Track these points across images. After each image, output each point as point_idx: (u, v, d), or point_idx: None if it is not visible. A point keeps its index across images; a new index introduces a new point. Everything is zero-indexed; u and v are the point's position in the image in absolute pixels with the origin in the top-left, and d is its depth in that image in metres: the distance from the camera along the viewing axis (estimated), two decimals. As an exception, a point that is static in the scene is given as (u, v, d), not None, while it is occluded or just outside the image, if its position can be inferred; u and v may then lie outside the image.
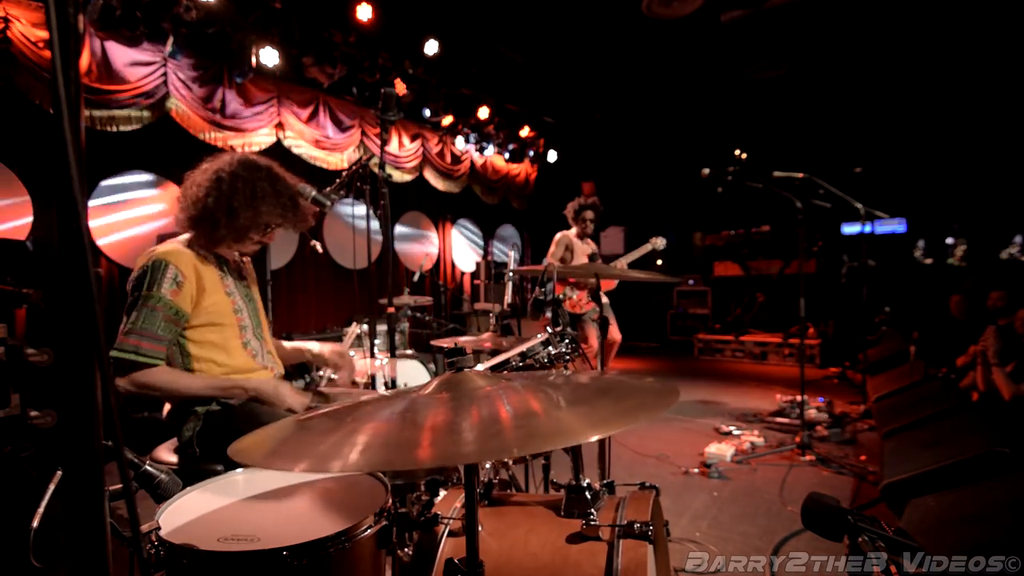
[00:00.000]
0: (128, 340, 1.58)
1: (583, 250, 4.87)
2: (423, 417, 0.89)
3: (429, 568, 1.18)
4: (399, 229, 7.02)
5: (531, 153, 8.46)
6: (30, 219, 3.86)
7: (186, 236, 1.78)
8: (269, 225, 1.80)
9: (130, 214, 4.47)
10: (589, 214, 4.81)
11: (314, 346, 2.14)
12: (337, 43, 5.32)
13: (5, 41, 3.58)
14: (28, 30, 3.65)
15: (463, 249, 8.03)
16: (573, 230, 4.85)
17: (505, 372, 1.64)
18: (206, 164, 1.77)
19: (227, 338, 1.76)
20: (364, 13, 5.11)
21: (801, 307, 3.64)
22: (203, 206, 1.70)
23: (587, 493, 1.28)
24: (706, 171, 4.12)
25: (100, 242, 4.28)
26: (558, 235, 4.88)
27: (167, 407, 1.76)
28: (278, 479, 1.30)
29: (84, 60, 3.93)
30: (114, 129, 4.22)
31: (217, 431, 1.65)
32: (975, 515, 1.93)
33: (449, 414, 0.89)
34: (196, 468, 1.60)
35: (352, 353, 3.33)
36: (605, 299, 4.85)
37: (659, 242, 4.66)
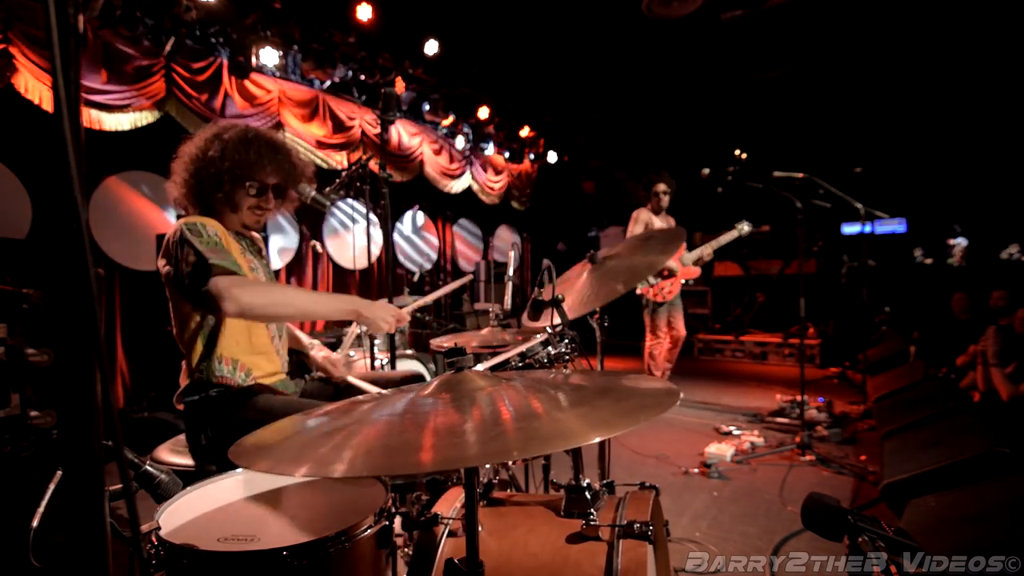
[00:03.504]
0: (217, 254, 1.51)
1: (661, 228, 4.71)
2: (424, 419, 0.89)
3: (429, 568, 1.18)
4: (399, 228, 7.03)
5: (531, 154, 8.46)
6: (30, 219, 3.86)
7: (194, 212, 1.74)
8: (263, 181, 1.73)
9: (130, 214, 4.47)
10: (661, 186, 4.65)
11: (306, 341, 2.08)
12: (337, 43, 5.32)
13: (5, 40, 3.59)
14: (28, 30, 3.66)
15: (463, 249, 8.04)
16: (648, 206, 4.71)
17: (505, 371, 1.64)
18: (195, 135, 1.75)
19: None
20: (364, 13, 5.11)
21: (801, 307, 3.64)
22: (192, 169, 1.67)
23: (587, 493, 1.28)
24: (706, 171, 4.11)
25: (100, 242, 4.28)
26: (635, 213, 4.72)
27: (177, 397, 1.73)
28: (278, 479, 1.30)
29: (83, 60, 3.93)
30: (114, 129, 4.22)
31: (227, 425, 1.63)
32: (975, 515, 1.93)
33: (450, 416, 0.89)
34: (203, 467, 1.59)
35: (352, 354, 3.33)
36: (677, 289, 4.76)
37: (744, 228, 4.54)
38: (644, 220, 4.68)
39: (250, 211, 1.75)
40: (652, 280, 4.61)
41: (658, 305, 4.69)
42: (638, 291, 4.71)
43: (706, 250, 4.62)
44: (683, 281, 4.72)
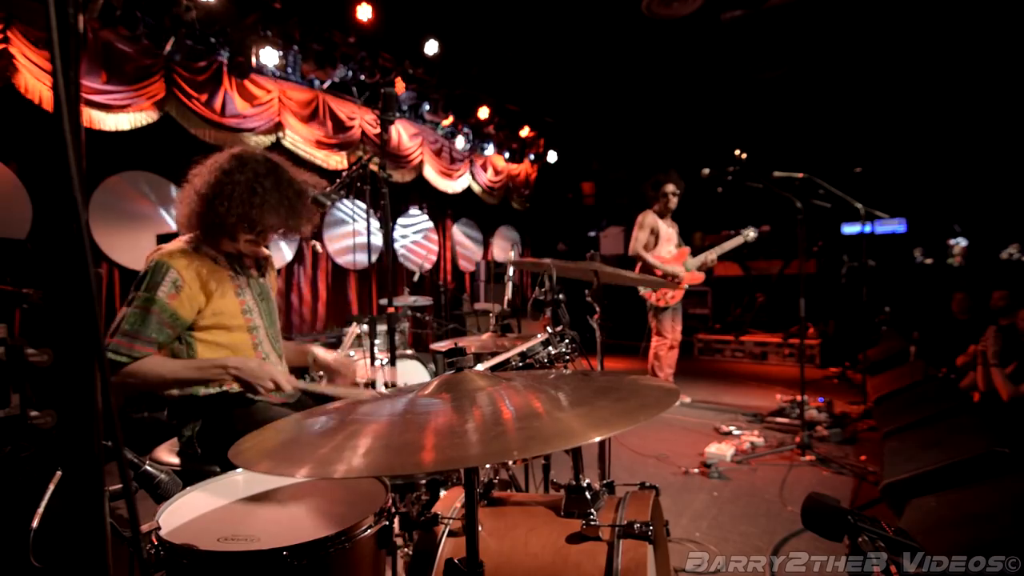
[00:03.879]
0: (122, 343, 1.56)
1: (668, 234, 4.63)
2: (424, 419, 0.89)
3: (429, 568, 1.18)
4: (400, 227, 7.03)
5: (531, 154, 8.46)
6: (30, 219, 3.86)
7: (190, 236, 1.74)
8: (265, 226, 1.73)
9: (130, 214, 4.47)
10: (670, 187, 4.52)
11: (319, 351, 2.07)
12: (337, 43, 5.32)
13: (5, 40, 3.59)
14: (28, 30, 3.66)
15: (463, 249, 8.04)
16: (656, 208, 4.61)
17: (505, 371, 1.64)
18: (210, 159, 1.73)
19: (236, 340, 1.74)
20: (364, 13, 5.11)
21: (801, 307, 3.64)
22: (203, 201, 1.67)
23: (587, 493, 1.28)
24: (706, 171, 4.11)
25: (100, 242, 4.28)
26: (640, 216, 4.61)
27: (168, 407, 1.75)
28: (278, 479, 1.30)
29: (83, 60, 3.93)
30: (114, 129, 4.22)
31: (217, 431, 1.64)
32: (975, 515, 1.94)
33: (451, 416, 0.88)
34: (196, 468, 1.59)
35: (352, 354, 3.33)
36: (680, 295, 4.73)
37: (750, 234, 4.48)
38: (650, 224, 4.60)
39: (247, 244, 1.76)
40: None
41: (661, 309, 4.69)
42: (641, 293, 4.70)
43: (710, 256, 4.60)
44: (686, 287, 4.72)
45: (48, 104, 3.65)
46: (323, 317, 5.98)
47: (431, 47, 5.77)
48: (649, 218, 4.62)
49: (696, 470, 3.31)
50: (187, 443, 1.67)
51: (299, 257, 5.78)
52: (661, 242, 4.66)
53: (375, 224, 5.76)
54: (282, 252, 5.57)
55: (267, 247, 1.91)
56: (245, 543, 1.01)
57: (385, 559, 1.15)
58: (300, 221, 1.81)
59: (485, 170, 7.90)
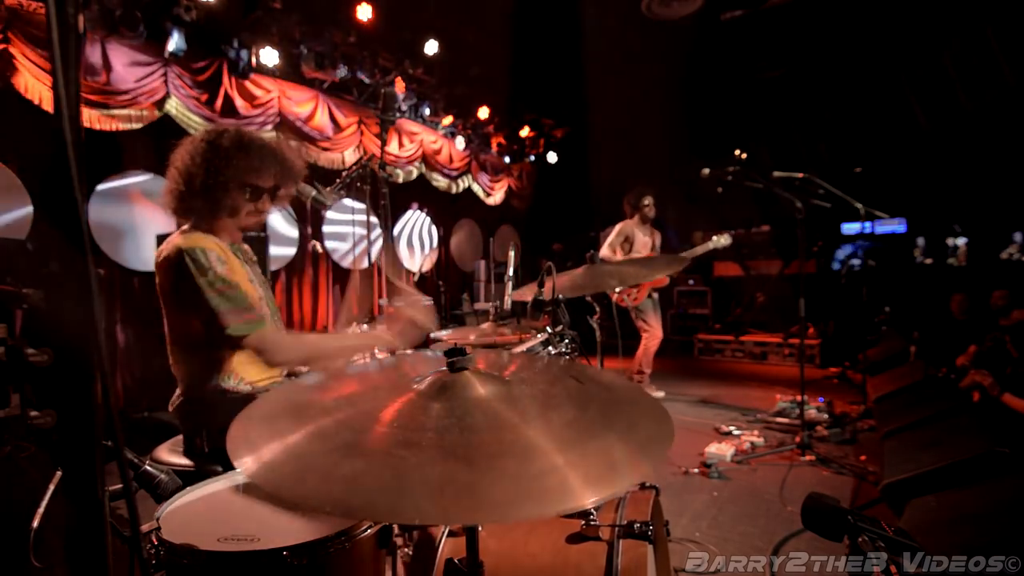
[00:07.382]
0: (227, 300, 1.53)
1: (644, 241, 4.85)
2: (370, 439, 0.81)
3: (429, 568, 1.19)
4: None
5: (531, 154, 8.46)
6: (30, 219, 3.86)
7: (188, 225, 1.70)
8: (256, 185, 1.69)
9: (130, 214, 4.46)
10: (647, 200, 4.83)
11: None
12: (337, 43, 5.32)
13: (5, 41, 3.58)
14: (28, 30, 3.66)
15: (463, 249, 8.03)
16: (635, 219, 4.88)
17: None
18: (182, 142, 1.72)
19: None
20: (364, 13, 5.11)
21: (801, 307, 3.64)
22: (186, 178, 1.64)
23: (587, 493, 1.28)
24: (706, 171, 4.11)
25: (100, 242, 4.28)
26: (619, 224, 4.90)
27: (173, 404, 1.73)
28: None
29: (83, 60, 3.93)
30: (114, 129, 4.21)
31: (222, 429, 1.62)
32: (975, 515, 1.94)
33: (417, 441, 0.79)
34: (206, 468, 1.58)
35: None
36: (655, 295, 4.89)
37: (722, 240, 4.51)
38: (625, 232, 4.83)
39: (248, 215, 1.73)
40: (617, 288, 4.65)
41: (639, 307, 4.79)
42: (611, 296, 4.74)
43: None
44: (650, 288, 4.82)
45: (48, 104, 3.66)
46: (323, 317, 5.98)
47: (431, 47, 5.77)
48: (626, 227, 4.85)
49: (696, 470, 3.31)
50: (192, 442, 1.67)
51: (299, 257, 5.78)
52: (636, 247, 4.83)
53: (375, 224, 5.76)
54: (282, 252, 5.56)
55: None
56: (245, 543, 1.01)
57: (385, 559, 1.15)
58: (288, 170, 1.77)
59: (485, 170, 7.90)
